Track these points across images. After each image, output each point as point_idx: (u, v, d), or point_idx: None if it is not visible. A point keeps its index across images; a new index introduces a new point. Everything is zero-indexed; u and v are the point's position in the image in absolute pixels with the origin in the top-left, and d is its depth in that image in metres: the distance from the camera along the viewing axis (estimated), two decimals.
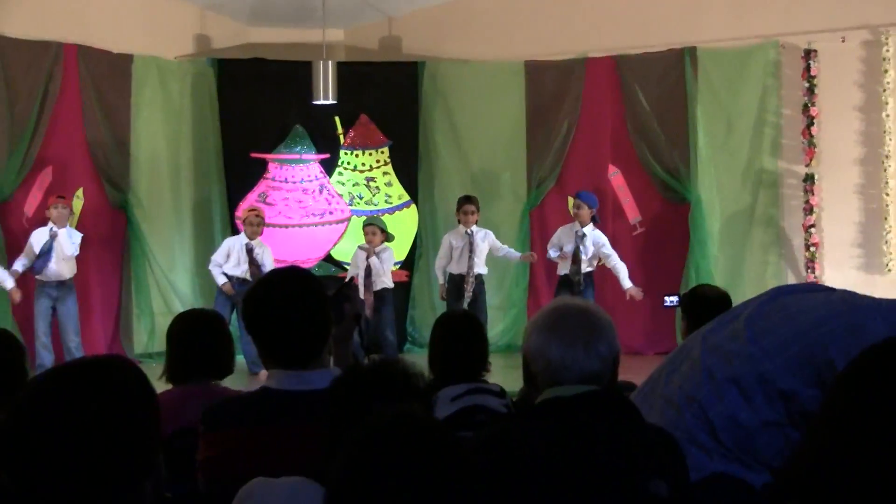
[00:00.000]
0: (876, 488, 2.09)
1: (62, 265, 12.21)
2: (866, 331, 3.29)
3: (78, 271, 12.53)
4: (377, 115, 15.01)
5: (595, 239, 12.70)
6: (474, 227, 12.89)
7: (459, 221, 12.99)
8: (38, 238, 12.15)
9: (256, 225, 13.04)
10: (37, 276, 12.14)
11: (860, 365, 2.35)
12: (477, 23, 15.28)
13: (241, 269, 12.87)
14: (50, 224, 12.21)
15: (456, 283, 12.93)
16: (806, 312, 3.42)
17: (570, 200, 13.94)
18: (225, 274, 12.90)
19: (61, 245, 12.16)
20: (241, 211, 13.51)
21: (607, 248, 12.73)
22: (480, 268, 12.94)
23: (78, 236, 12.46)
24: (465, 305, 12.59)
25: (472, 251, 12.82)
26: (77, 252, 12.38)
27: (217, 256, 13.05)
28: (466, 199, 13.04)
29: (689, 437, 3.36)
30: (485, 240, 12.94)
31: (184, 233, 14.54)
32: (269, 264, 12.85)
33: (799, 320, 3.40)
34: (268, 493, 2.97)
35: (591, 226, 12.73)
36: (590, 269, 12.77)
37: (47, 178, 13.17)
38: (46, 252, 12.10)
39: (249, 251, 12.91)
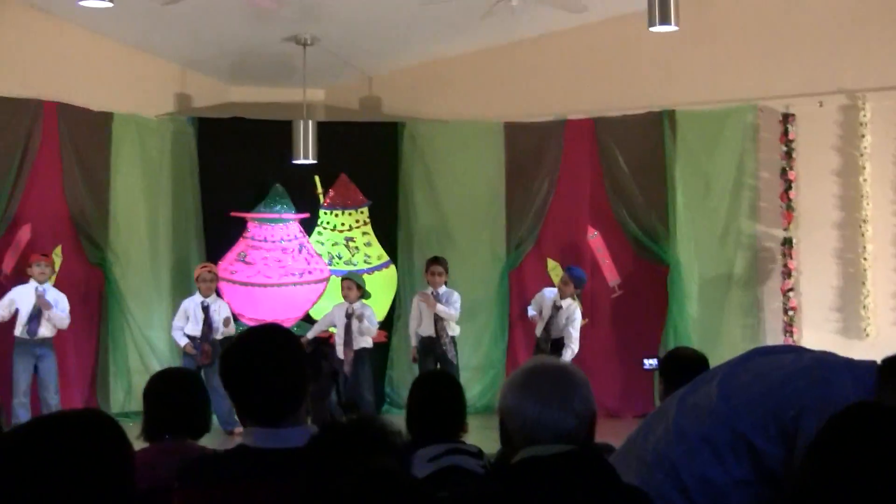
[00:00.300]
0: None
1: (47, 325, 12.24)
2: (832, 385, 3.32)
3: None
4: (357, 174, 15.04)
5: (568, 314, 12.73)
6: (442, 289, 12.91)
7: (428, 282, 13.07)
8: (20, 296, 12.14)
9: (210, 281, 13.12)
10: (17, 334, 12.11)
11: (829, 433, 2.37)
12: (456, 83, 15.36)
13: (199, 329, 12.92)
14: (33, 282, 12.21)
15: (425, 345, 12.96)
16: (776, 371, 3.45)
17: (550, 262, 14.03)
18: (187, 335, 12.97)
19: (53, 316, 12.21)
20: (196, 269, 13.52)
21: (572, 329, 12.72)
22: (451, 329, 12.95)
23: (65, 303, 12.48)
24: (437, 366, 12.63)
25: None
26: (68, 320, 12.47)
27: (177, 320, 13.18)
28: (434, 260, 13.11)
29: (662, 496, 3.37)
30: (449, 301, 12.92)
31: (162, 291, 14.49)
32: (223, 321, 12.94)
33: (769, 379, 3.42)
34: None
35: (570, 300, 12.78)
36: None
37: (26, 236, 13.17)
38: (36, 315, 12.14)
39: (205, 309, 12.94)
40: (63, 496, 2.03)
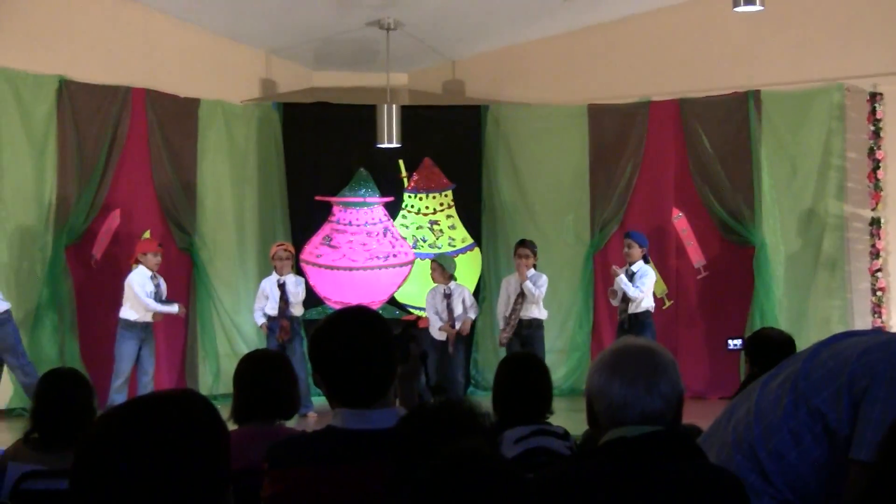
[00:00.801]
0: None
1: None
2: None
3: None
4: (441, 158, 15.09)
5: (641, 274, 12.64)
6: (531, 272, 12.82)
7: (516, 266, 13.00)
8: (141, 282, 12.26)
9: (285, 259, 13.15)
10: (126, 317, 12.23)
11: None
12: (539, 66, 15.33)
13: (277, 307, 13.02)
14: (143, 269, 12.28)
15: (512, 329, 12.91)
16: (853, 347, 3.42)
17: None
18: (267, 315, 13.06)
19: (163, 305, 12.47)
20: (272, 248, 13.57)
21: (643, 281, 12.64)
22: (533, 312, 12.85)
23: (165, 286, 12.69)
24: (518, 348, 12.60)
25: (521, 294, 12.79)
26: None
27: (257, 302, 13.25)
28: (520, 244, 13.04)
29: (740, 478, 3.36)
30: (536, 284, 12.81)
31: (248, 276, 14.62)
32: (300, 298, 13.08)
33: (845, 354, 3.40)
34: None
35: (640, 262, 12.71)
36: (647, 307, 12.69)
37: (115, 221, 13.34)
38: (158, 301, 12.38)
39: (281, 287, 13.02)
40: (161, 476, 2.06)
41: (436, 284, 13.28)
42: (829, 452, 3.35)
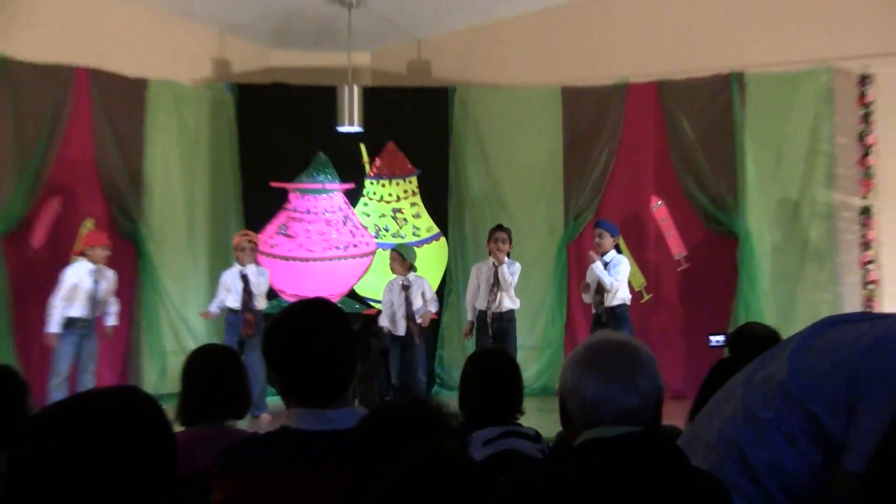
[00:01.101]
0: None
1: (97, 305, 12.36)
2: None
3: None
4: (405, 142, 15.06)
5: (614, 263, 12.64)
6: (506, 259, 12.81)
7: (490, 252, 12.94)
8: (79, 276, 12.23)
9: (250, 250, 13.14)
10: (68, 314, 12.16)
11: None
12: (511, 46, 15.32)
13: (240, 300, 12.98)
14: (84, 262, 12.28)
15: (482, 321, 12.85)
16: (848, 345, 3.37)
17: None
18: (229, 308, 13.02)
19: (108, 300, 12.51)
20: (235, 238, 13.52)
21: (617, 270, 12.63)
22: (509, 303, 12.86)
23: (113, 280, 12.63)
24: (490, 343, 12.56)
25: (497, 284, 12.74)
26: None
27: (218, 295, 13.24)
28: (497, 228, 13.00)
29: (730, 484, 3.32)
30: (513, 272, 12.81)
31: (198, 266, 14.57)
32: (263, 289, 13.08)
33: (840, 354, 3.35)
34: None
35: (612, 252, 12.71)
36: (624, 300, 12.67)
37: (56, 209, 13.24)
38: (95, 298, 12.31)
39: (244, 278, 12.98)
40: (100, 479, 2.02)
41: (395, 276, 13.20)
42: (824, 455, 3.32)
